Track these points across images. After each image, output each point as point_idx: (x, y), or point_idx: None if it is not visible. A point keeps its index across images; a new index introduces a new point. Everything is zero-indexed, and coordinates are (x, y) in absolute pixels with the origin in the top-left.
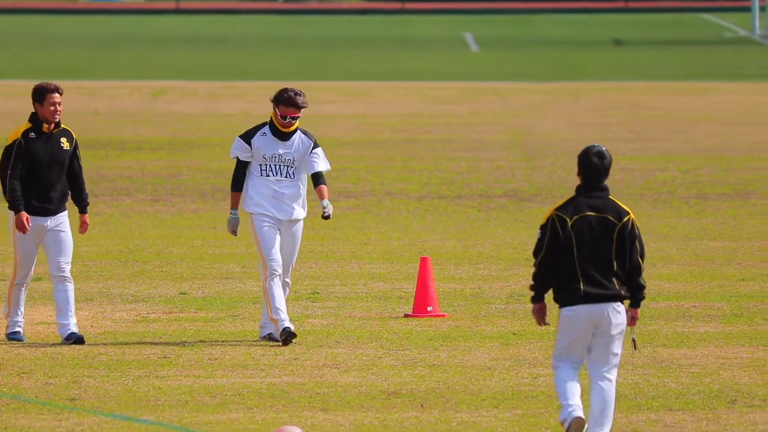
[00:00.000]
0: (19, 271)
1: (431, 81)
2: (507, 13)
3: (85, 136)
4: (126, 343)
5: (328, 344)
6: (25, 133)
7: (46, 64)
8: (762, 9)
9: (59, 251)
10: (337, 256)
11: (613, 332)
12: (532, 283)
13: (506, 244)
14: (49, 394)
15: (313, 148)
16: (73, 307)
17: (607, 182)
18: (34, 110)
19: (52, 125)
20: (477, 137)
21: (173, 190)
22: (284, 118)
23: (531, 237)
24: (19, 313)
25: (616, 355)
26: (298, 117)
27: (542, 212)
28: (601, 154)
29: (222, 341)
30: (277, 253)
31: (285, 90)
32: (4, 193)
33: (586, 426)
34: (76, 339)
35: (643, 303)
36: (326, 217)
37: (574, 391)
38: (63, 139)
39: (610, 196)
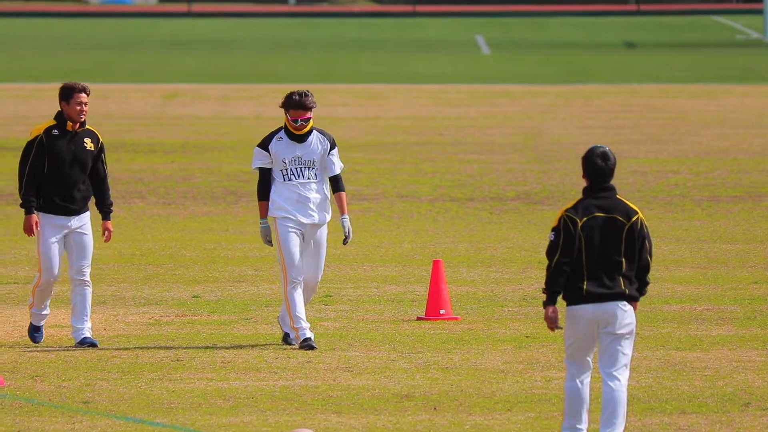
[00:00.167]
0: (44, 276)
1: (443, 84)
2: (518, 15)
3: None
4: (139, 346)
5: (341, 347)
6: (48, 130)
7: (58, 67)
8: None
9: (81, 255)
10: (350, 259)
11: (619, 331)
12: (544, 286)
13: (518, 247)
14: (63, 397)
15: (331, 148)
16: (89, 312)
17: (619, 185)
18: (60, 109)
19: (77, 125)
20: (489, 140)
21: (185, 193)
22: (296, 121)
23: (543, 239)
24: (46, 306)
25: (625, 355)
26: (310, 118)
27: (554, 215)
28: (605, 156)
29: (235, 344)
30: (298, 262)
31: (291, 94)
32: (20, 190)
33: None
34: (89, 344)
35: (656, 306)
36: (346, 242)
37: (583, 409)
38: (87, 140)
39: (618, 196)
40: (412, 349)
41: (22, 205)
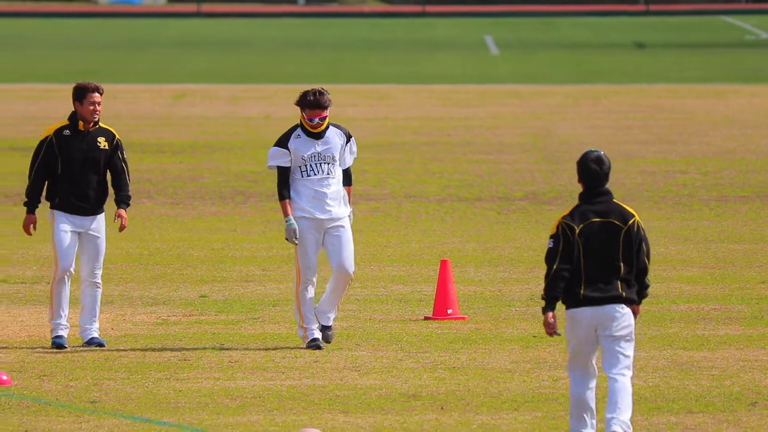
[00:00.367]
0: (60, 264)
1: (452, 84)
2: (527, 16)
3: None
4: (146, 346)
5: (348, 347)
6: (59, 131)
7: (67, 67)
8: None
9: (94, 257)
10: (357, 258)
11: (617, 333)
12: (543, 292)
13: (526, 247)
14: (70, 397)
15: (348, 140)
16: (98, 313)
17: (628, 185)
18: (74, 109)
19: (90, 124)
20: (497, 140)
21: (194, 193)
22: (312, 120)
23: None
24: (63, 315)
25: (626, 356)
26: (326, 116)
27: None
28: (599, 160)
29: (242, 344)
30: (314, 263)
31: (307, 93)
32: (27, 188)
33: None
34: (97, 344)
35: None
36: None
37: (587, 416)
38: (101, 138)
39: (615, 200)
40: (420, 349)
41: (24, 203)
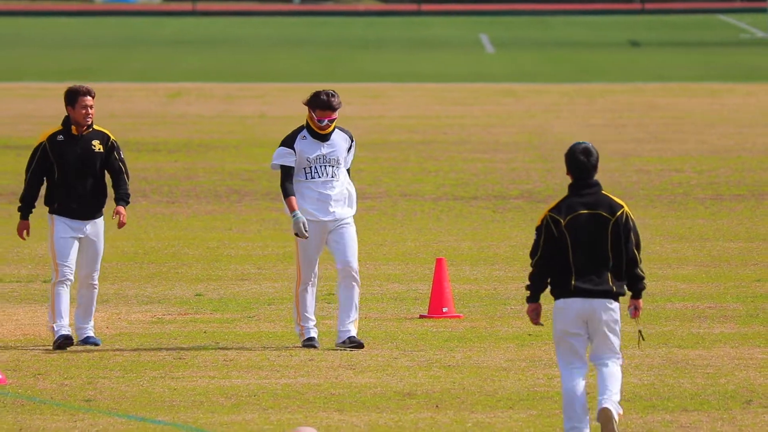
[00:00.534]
0: (60, 269)
1: (447, 82)
2: (522, 14)
3: None
4: (141, 344)
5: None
6: (53, 136)
7: (63, 66)
8: None
9: (93, 260)
10: None
11: (605, 328)
12: (528, 283)
13: (522, 245)
14: (65, 395)
15: (351, 143)
16: (93, 312)
17: (623, 183)
18: (66, 114)
19: (84, 127)
20: (492, 138)
21: (189, 191)
22: (321, 121)
23: None
24: (64, 317)
25: (613, 346)
26: (335, 119)
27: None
28: (587, 151)
29: (237, 342)
30: (315, 265)
31: (319, 93)
32: (22, 194)
33: None
34: (92, 343)
35: (658, 303)
36: None
37: (580, 409)
38: (95, 141)
39: (603, 192)
40: (415, 347)
41: (19, 209)
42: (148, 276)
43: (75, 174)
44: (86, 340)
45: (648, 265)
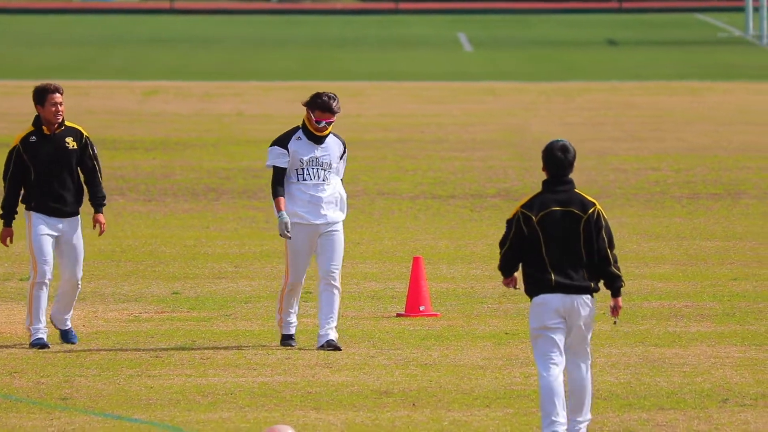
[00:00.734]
0: (39, 269)
1: (425, 81)
2: (501, 13)
3: None
4: (118, 343)
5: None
6: (25, 138)
7: (40, 63)
8: (755, 9)
9: (74, 260)
10: None
11: (580, 323)
12: (499, 268)
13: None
14: (41, 394)
15: (344, 151)
16: (72, 306)
17: (600, 182)
18: (37, 113)
19: (55, 126)
20: (470, 137)
21: (166, 189)
22: (319, 122)
23: None
24: (41, 320)
25: (587, 344)
26: (333, 122)
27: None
28: (564, 148)
29: (214, 340)
30: (302, 270)
31: (320, 94)
32: (2, 200)
33: None
34: (69, 340)
35: (635, 302)
36: None
37: (558, 402)
38: (68, 139)
39: (576, 189)
40: (392, 346)
41: (1, 216)
42: (125, 274)
43: (50, 173)
44: (66, 334)
45: (625, 263)
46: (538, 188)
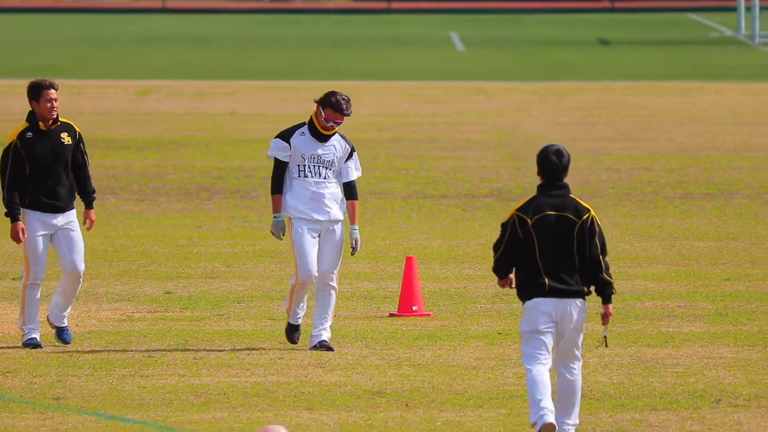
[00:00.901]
0: (32, 270)
1: (417, 80)
2: (493, 12)
3: None
4: (111, 342)
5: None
6: (22, 134)
7: (32, 62)
8: (748, 9)
9: (73, 249)
10: None
11: (573, 327)
12: (494, 270)
13: (491, 244)
14: (34, 394)
15: (351, 153)
16: (72, 303)
17: (593, 182)
18: (31, 109)
19: (50, 122)
20: (463, 137)
21: (159, 189)
22: (327, 121)
23: None
24: (35, 320)
25: (578, 348)
26: (341, 123)
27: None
28: (559, 153)
29: (207, 340)
30: (313, 265)
31: (333, 94)
32: (3, 198)
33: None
34: (63, 339)
35: (628, 302)
36: (354, 253)
37: (545, 392)
38: (64, 134)
39: (571, 194)
40: (385, 346)
41: (6, 215)
42: (118, 274)
43: (47, 169)
44: (61, 332)
45: (617, 264)
46: (531, 188)
